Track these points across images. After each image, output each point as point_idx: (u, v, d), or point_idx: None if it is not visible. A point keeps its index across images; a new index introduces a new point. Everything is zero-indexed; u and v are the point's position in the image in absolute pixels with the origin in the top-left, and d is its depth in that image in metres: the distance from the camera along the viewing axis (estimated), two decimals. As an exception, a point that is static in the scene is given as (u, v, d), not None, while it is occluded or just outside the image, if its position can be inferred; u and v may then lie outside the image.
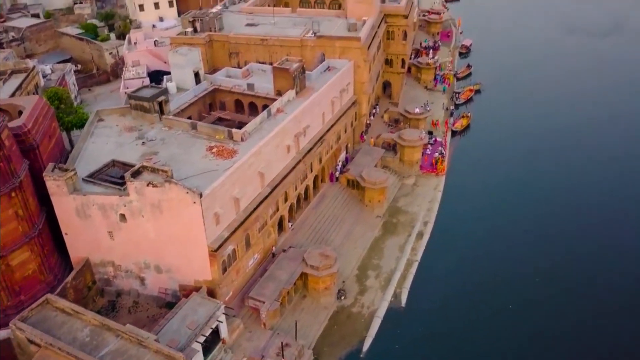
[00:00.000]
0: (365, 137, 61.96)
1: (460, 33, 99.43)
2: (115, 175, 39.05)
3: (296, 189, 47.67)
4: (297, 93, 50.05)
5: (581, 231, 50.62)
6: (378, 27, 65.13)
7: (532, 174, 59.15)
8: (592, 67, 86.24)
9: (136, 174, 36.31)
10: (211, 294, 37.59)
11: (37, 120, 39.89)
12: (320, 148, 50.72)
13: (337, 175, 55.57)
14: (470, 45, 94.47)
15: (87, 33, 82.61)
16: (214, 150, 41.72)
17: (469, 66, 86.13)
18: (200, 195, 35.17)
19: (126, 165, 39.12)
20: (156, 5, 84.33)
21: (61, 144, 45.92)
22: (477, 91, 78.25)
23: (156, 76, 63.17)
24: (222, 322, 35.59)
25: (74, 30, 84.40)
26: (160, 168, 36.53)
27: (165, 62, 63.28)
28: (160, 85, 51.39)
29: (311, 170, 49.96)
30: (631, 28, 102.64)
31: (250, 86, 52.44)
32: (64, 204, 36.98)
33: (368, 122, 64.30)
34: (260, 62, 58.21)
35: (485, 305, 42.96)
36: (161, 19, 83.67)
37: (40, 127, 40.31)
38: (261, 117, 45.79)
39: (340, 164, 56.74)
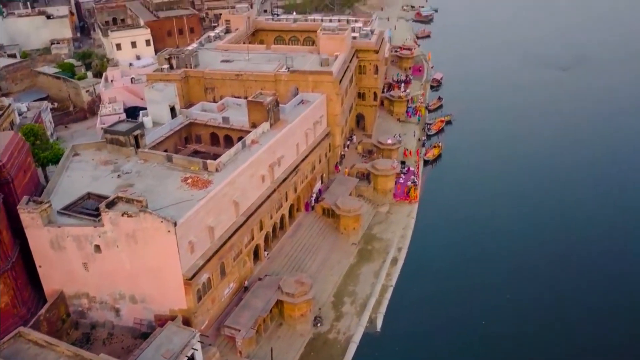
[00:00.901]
0: (340, 167, 63.34)
1: (432, 67, 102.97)
2: (90, 208, 39.41)
3: (271, 218, 48.44)
4: (271, 125, 51.32)
5: (552, 255, 51.99)
6: (350, 62, 67.43)
7: (501, 201, 60.95)
8: (555, 97, 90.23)
9: (111, 204, 36.80)
10: (187, 323, 37.69)
11: (12, 154, 40.34)
12: (295, 178, 51.82)
13: (313, 205, 56.51)
14: (441, 78, 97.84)
15: (64, 72, 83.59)
16: (189, 181, 42.42)
17: (439, 99, 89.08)
18: (175, 224, 35.72)
19: (101, 198, 39.47)
20: (133, 44, 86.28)
21: (36, 178, 46.24)
22: (448, 122, 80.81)
23: (133, 112, 64.08)
24: (197, 350, 35.59)
25: (50, 69, 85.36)
26: (135, 198, 37.06)
27: (142, 99, 64.20)
28: (136, 120, 52.29)
29: (286, 200, 50.90)
30: (590, 61, 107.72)
31: (226, 119, 53.66)
32: (38, 237, 37.14)
33: (342, 153, 65.86)
34: (235, 97, 59.68)
35: (459, 327, 43.82)
36: (138, 58, 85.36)
37: (15, 161, 40.72)
38: (236, 148, 46.82)
39: (314, 194, 57.75)
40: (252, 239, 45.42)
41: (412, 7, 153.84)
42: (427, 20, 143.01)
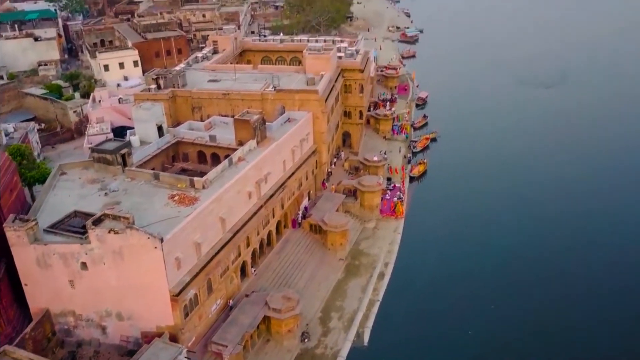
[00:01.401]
0: (327, 184, 63.97)
1: (417, 86, 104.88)
2: (77, 225, 39.52)
3: (258, 234, 48.77)
4: (258, 143, 51.88)
5: (536, 268, 52.67)
6: (335, 81, 68.56)
7: (486, 216, 61.89)
8: (539, 114, 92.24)
9: (98, 221, 37.00)
10: (173, 339, 37.65)
11: (-2, 173, 40.46)
12: (282, 194, 52.33)
13: (300, 221, 56.89)
14: (427, 97, 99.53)
15: (52, 93, 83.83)
16: (176, 198, 42.70)
17: (425, 117, 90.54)
18: (162, 240, 35.96)
19: (88, 216, 39.56)
20: (121, 65, 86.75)
21: (22, 197, 46.32)
22: (433, 139, 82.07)
23: (120, 132, 64.25)
24: (184, 366, 35.60)
25: (38, 90, 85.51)
26: (122, 215, 37.30)
27: (130, 119, 64.45)
28: (123, 139, 52.64)
29: (273, 216, 51.30)
30: (573, 79, 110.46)
31: (213, 137, 54.15)
32: (24, 255, 37.15)
33: (329, 170, 66.58)
34: (222, 116, 60.30)
35: (445, 339, 44.22)
36: (126, 78, 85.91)
37: (1, 180, 40.82)
38: (222, 165, 47.29)
39: (301, 211, 58.14)
40: (239, 255, 45.66)
41: (398, 27, 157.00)
42: (413, 41, 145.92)
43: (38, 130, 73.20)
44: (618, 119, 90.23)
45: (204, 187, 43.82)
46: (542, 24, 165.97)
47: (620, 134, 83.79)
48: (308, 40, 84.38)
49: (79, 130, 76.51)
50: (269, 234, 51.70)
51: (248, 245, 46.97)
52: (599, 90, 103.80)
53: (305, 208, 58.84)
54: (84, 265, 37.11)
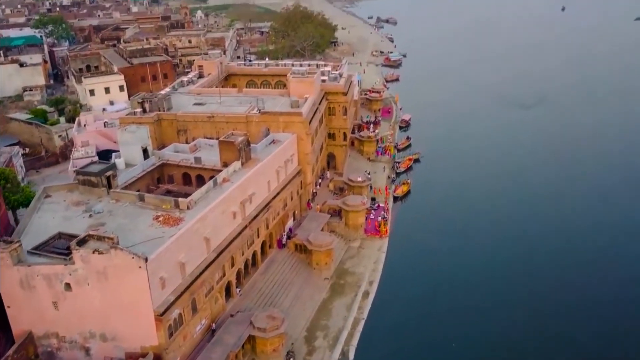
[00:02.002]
0: (312, 204, 64.58)
1: (400, 109, 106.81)
2: (61, 247, 39.58)
3: (243, 254, 49.03)
4: (242, 164, 52.51)
5: (517, 284, 53.52)
6: (319, 104, 69.80)
7: (468, 234, 62.84)
8: (519, 134, 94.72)
9: (82, 242, 37.12)
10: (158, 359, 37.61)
11: (-18, 196, 40.58)
12: (266, 214, 52.80)
13: (285, 242, 57.26)
14: (410, 119, 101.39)
15: (37, 118, 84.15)
16: (160, 219, 43.02)
17: (408, 138, 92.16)
18: (146, 260, 36.16)
19: (72, 237, 39.61)
20: (107, 90, 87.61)
21: (6, 220, 46.41)
22: (417, 160, 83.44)
23: (105, 155, 64.40)
24: (168, 386, 35.50)
25: (23, 115, 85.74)
26: (106, 236, 37.48)
27: (115, 142, 64.68)
28: (108, 162, 52.98)
29: (258, 236, 51.66)
30: (550, 100, 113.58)
31: (198, 159, 54.71)
32: (8, 277, 37.05)
33: (314, 190, 67.30)
34: (207, 138, 60.95)
35: (429, 355, 44.80)
36: (112, 103, 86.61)
37: (-15, 203, 40.94)
38: (207, 186, 47.76)
39: (286, 232, 58.48)
40: (224, 275, 45.83)
41: (382, 52, 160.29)
42: (396, 65, 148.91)
43: (22, 154, 73.22)
44: (596, 137, 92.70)
45: (188, 208, 44.20)
46: (521, 47, 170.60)
47: (599, 151, 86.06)
48: (293, 65, 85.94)
49: (64, 154, 76.67)
50: (254, 254, 51.96)
51: (233, 265, 47.18)
52: (577, 110, 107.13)
53: (290, 229, 59.25)
54: (67, 286, 37.09)
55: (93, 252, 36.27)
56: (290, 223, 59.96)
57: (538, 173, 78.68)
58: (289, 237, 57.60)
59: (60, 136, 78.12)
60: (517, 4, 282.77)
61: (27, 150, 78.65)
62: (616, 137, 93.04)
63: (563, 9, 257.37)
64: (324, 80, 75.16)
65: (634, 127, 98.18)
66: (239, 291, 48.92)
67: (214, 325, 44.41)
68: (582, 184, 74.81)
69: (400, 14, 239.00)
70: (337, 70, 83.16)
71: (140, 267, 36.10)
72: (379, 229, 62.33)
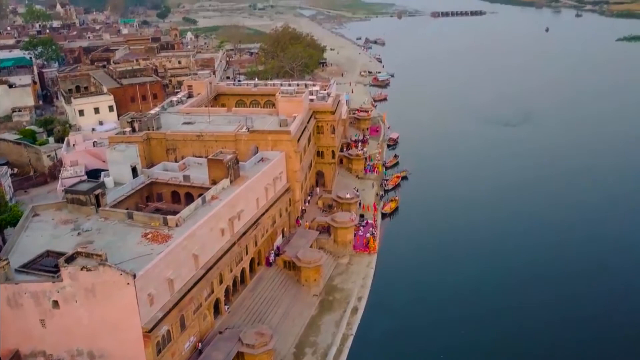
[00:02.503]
0: (301, 221, 64.95)
1: (388, 128, 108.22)
2: (49, 265, 39.57)
3: (231, 271, 49.17)
4: (231, 182, 52.94)
5: (505, 301, 53.89)
6: (308, 122, 70.68)
7: (455, 249, 63.44)
8: (505, 153, 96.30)
9: (70, 259, 37.19)
10: (146, 377, 37.43)
11: (-30, 214, 40.61)
12: (255, 231, 53.10)
13: (272, 260, 57.34)
14: (397, 138, 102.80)
15: (26, 138, 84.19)
16: (149, 236, 43.22)
17: (396, 156, 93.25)
18: (134, 276, 36.30)
19: (60, 255, 39.48)
20: (96, 110, 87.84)
21: (-6, 239, 46.17)
22: (404, 177, 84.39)
23: (94, 175, 64.47)
24: (156, 404, 35.35)
25: (11, 136, 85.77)
26: (95, 253, 37.58)
27: (104, 161, 64.87)
28: (97, 180, 53.20)
29: (247, 253, 51.88)
30: (534, 119, 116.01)
31: (187, 177, 55.09)
32: (-5, 295, 36.97)
33: (303, 207, 67.75)
34: (196, 156, 61.42)
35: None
36: (101, 123, 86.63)
37: (-27, 221, 40.95)
38: (196, 204, 48.11)
39: (273, 251, 58.35)
40: (212, 292, 45.90)
41: (370, 72, 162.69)
42: (384, 85, 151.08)
43: (11, 174, 73.10)
44: (579, 153, 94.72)
45: (177, 225, 44.46)
46: (506, 67, 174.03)
47: (582, 167, 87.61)
48: (281, 85, 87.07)
49: (53, 174, 76.61)
50: (243, 271, 52.12)
51: (221, 282, 47.28)
52: (561, 128, 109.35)
53: (278, 247, 59.40)
54: (55, 303, 37.04)
55: (81, 269, 36.33)
56: (279, 240, 60.26)
57: (523, 189, 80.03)
58: (276, 255, 57.79)
59: (49, 156, 78.16)
60: (502, 26, 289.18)
61: (16, 170, 78.52)
62: (598, 153, 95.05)
63: (547, 30, 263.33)
64: (312, 100, 76.23)
65: (615, 143, 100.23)
66: (228, 308, 48.93)
67: (199, 345, 43.93)
68: (566, 199, 75.93)
69: (389, 35, 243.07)
70: (325, 90, 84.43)
71: (128, 283, 36.21)
72: (367, 245, 62.77)
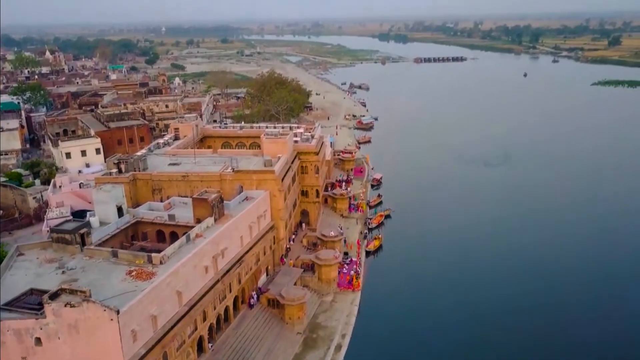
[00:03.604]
0: (285, 259, 65.56)
1: (372, 168, 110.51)
2: (33, 303, 39.72)
3: (215, 309, 49.42)
4: (215, 220, 53.88)
5: (490, 341, 54.38)
6: (292, 163, 72.35)
7: (438, 287, 64.47)
8: (485, 191, 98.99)
9: (54, 296, 37.52)
10: (127, 415, 37.20)
11: (-45, 253, 40.91)
12: (239, 269, 53.66)
13: (253, 303, 56.68)
14: (381, 178, 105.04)
15: (12, 181, 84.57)
16: (133, 273, 43.64)
17: (379, 196, 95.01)
18: (118, 312, 36.65)
19: (44, 293, 39.90)
20: (83, 153, 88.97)
21: (-23, 278, 46.06)
22: (387, 216, 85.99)
23: (80, 216, 64.81)
24: None
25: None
26: (79, 289, 37.98)
27: (90, 202, 65.41)
28: (83, 220, 53.75)
29: (230, 290, 52.26)
30: (513, 159, 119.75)
31: (172, 217, 55.82)
32: (-23, 333, 36.94)
33: (288, 246, 68.50)
34: (182, 196, 62.31)
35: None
36: (88, 165, 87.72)
37: (-43, 260, 41.16)
38: (180, 241, 48.77)
39: (255, 293, 58.04)
40: (196, 329, 46.08)
41: (354, 116, 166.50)
42: (368, 128, 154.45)
43: (-5, 216, 73.30)
44: (556, 191, 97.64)
45: (161, 263, 44.98)
46: (486, 110, 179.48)
47: (559, 204, 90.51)
48: (267, 127, 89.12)
49: (38, 216, 76.77)
50: (226, 309, 52.34)
51: (205, 319, 47.49)
52: (538, 168, 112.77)
53: (260, 288, 59.38)
54: (38, 340, 37.07)
55: (65, 306, 36.63)
56: (263, 278, 60.67)
57: (501, 226, 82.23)
58: (258, 297, 57.66)
59: (34, 198, 78.51)
60: (482, 72, 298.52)
61: (0, 212, 78.59)
62: (575, 190, 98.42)
63: (525, 75, 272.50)
64: (296, 141, 78.14)
65: (591, 181, 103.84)
66: (211, 346, 48.94)
67: (183, 382, 44.06)
68: (545, 234, 78.00)
69: (373, 80, 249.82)
70: (310, 132, 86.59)
71: (112, 319, 36.50)
72: (351, 283, 63.37)
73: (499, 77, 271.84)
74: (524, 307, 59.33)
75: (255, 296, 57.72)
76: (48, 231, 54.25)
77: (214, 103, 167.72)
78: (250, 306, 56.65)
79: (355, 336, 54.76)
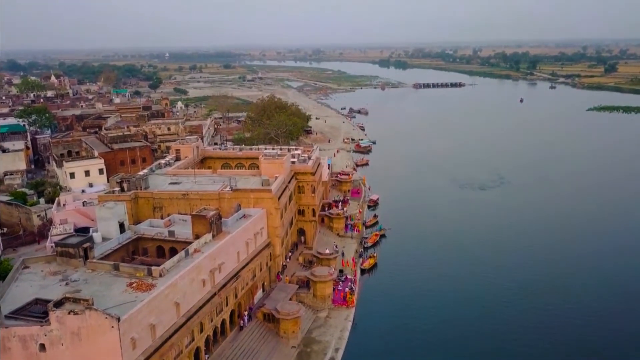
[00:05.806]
0: (281, 276, 67.32)
1: (369, 189, 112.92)
2: (37, 312, 41.60)
3: (212, 321, 51.10)
4: (213, 236, 55.91)
5: (481, 357, 55.84)
6: (289, 182, 74.66)
7: (431, 305, 65.90)
8: (477, 212, 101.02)
9: (59, 304, 39.44)
10: (126, 421, 38.67)
11: (-36, 264, 42.91)
12: (235, 283, 55.46)
13: (244, 325, 57.00)
14: (377, 199, 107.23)
15: (17, 199, 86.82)
16: (134, 285, 45.58)
17: (375, 216, 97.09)
18: (119, 320, 38.51)
19: (48, 302, 41.89)
20: (86, 173, 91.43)
21: (-16, 290, 47.93)
22: (383, 236, 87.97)
23: (83, 232, 67.16)
24: None
25: (3, 197, 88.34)
26: (82, 298, 39.91)
27: (93, 220, 67.70)
28: (86, 234, 55.82)
29: (227, 304, 53.98)
30: (506, 182, 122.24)
31: (171, 233, 57.88)
32: (-16, 339, 38.71)
33: (284, 263, 70.31)
34: (181, 214, 64.44)
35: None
36: (91, 185, 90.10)
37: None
38: (179, 256, 50.75)
39: (246, 313, 58.60)
40: (193, 339, 47.72)
41: (353, 139, 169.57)
42: (366, 151, 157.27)
43: (0, 234, 75.22)
44: (550, 214, 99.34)
45: (160, 275, 46.92)
46: (482, 135, 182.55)
47: (552, 226, 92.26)
48: (265, 148, 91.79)
49: (42, 233, 78.69)
50: (223, 323, 53.97)
51: (202, 330, 49.15)
52: (532, 191, 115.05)
53: (250, 308, 59.97)
54: (42, 347, 38.82)
55: (69, 313, 38.52)
56: (259, 294, 62.37)
57: (496, 248, 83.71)
58: (250, 318, 58.54)
59: (39, 216, 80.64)
60: (480, 97, 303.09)
61: (5, 229, 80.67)
62: (569, 212, 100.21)
63: (521, 101, 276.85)
64: (293, 162, 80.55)
65: (586, 204, 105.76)
66: (208, 357, 50.44)
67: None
68: (540, 256, 79.58)
69: (372, 105, 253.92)
70: (307, 154, 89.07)
71: (112, 327, 38.33)
72: (346, 300, 64.98)
73: (495, 103, 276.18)
74: (516, 327, 60.49)
75: (246, 317, 58.14)
76: (52, 247, 56.19)
77: (215, 126, 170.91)
78: (241, 328, 56.84)
79: (348, 351, 56.21)
